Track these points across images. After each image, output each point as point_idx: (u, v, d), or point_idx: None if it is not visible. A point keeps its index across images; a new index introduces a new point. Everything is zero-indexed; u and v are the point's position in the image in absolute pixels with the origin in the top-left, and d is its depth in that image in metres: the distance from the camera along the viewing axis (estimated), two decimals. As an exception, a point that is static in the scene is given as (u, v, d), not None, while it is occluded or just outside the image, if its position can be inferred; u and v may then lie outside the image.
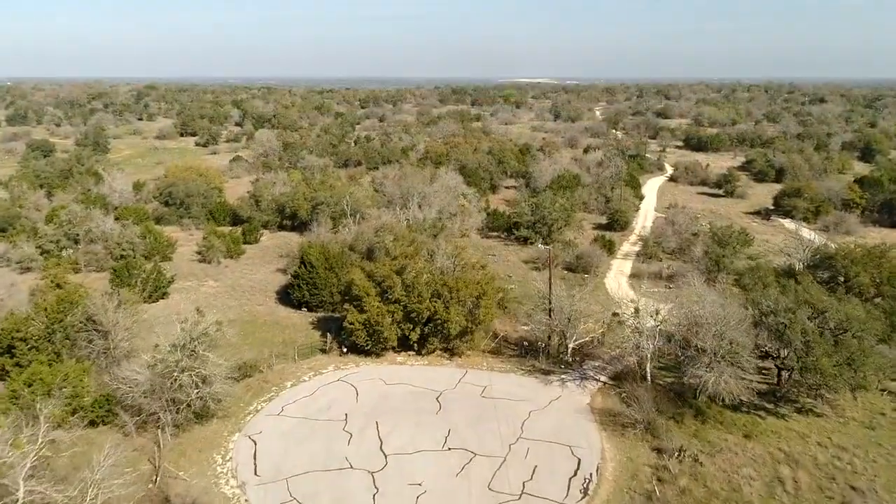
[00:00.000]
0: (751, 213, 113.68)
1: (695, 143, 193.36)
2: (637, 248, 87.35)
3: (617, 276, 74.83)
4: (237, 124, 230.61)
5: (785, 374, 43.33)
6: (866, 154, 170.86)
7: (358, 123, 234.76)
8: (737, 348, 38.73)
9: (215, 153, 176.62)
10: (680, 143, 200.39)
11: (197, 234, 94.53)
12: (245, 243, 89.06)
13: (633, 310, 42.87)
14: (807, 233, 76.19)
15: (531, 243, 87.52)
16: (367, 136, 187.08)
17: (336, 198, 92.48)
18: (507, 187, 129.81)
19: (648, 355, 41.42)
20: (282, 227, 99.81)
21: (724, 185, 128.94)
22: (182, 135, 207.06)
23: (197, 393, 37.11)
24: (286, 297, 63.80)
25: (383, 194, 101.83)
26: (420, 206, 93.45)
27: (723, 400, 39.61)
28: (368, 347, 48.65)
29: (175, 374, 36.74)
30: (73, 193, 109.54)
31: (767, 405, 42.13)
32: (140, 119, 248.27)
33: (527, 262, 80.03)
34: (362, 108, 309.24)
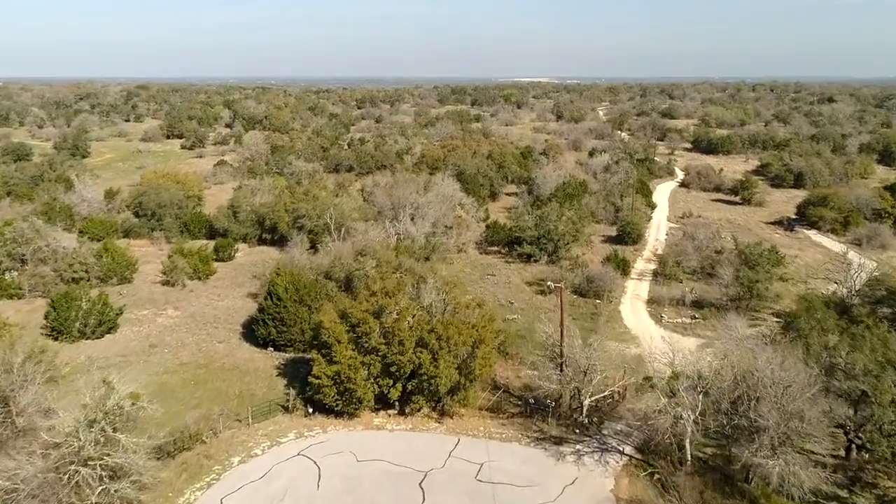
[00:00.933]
0: (771, 223, 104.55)
1: (705, 146, 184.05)
2: (653, 266, 78.39)
3: (633, 302, 65.86)
4: (227, 126, 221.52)
5: (858, 449, 34.48)
6: (886, 157, 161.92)
7: (353, 125, 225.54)
8: (808, 427, 29.86)
9: (201, 157, 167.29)
10: (688, 146, 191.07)
11: (169, 248, 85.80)
12: (217, 260, 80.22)
13: (670, 373, 33.90)
14: (854, 256, 66.99)
15: (535, 261, 78.70)
16: (362, 138, 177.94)
17: (319, 210, 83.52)
18: (508, 194, 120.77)
19: (690, 430, 32.52)
20: (262, 241, 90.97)
21: (740, 192, 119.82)
22: (168, 137, 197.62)
23: (102, 490, 28.23)
24: (252, 331, 54.90)
25: (373, 204, 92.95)
26: (413, 219, 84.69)
27: (790, 496, 30.61)
28: (339, 408, 39.72)
29: (72, 467, 27.89)
30: (38, 203, 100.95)
31: (840, 492, 33.23)
32: (127, 120, 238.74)
33: (531, 284, 71.06)
34: (359, 108, 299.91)
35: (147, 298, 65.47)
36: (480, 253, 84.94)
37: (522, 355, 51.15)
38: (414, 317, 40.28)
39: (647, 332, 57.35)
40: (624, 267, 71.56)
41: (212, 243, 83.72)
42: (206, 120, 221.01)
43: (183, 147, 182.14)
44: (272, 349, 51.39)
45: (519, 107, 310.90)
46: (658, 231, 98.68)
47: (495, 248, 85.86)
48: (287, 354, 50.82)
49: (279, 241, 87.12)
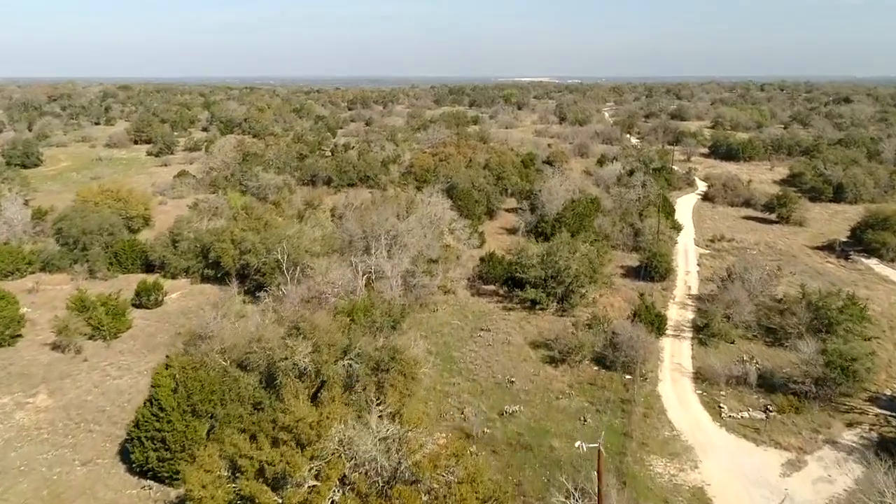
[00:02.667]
0: (819, 248, 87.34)
1: (723, 151, 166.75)
2: (690, 314, 61.60)
3: (675, 379, 48.77)
4: (204, 129, 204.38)
5: None
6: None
7: (341, 128, 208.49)
8: None
9: (166, 165, 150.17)
10: (705, 151, 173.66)
11: (93, 286, 69.18)
12: (140, 307, 63.66)
13: None
14: None
15: (541, 308, 61.90)
16: (346, 143, 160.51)
17: (269, 243, 66.56)
18: (507, 210, 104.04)
19: None
20: (206, 278, 73.94)
21: (777, 209, 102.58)
22: (136, 142, 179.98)
23: None
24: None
25: (344, 231, 75.95)
26: (389, 250, 67.89)
27: None
28: None
29: None
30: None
31: None
32: (97, 123, 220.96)
33: (537, 346, 54.18)
34: (350, 109, 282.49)
35: (19, 373, 48.52)
36: (472, 294, 68.09)
37: (527, 485, 34.49)
38: (345, 486, 23.34)
39: (703, 436, 40.45)
40: (659, 325, 54.48)
41: (133, 286, 66.82)
42: (180, 123, 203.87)
43: (149, 153, 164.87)
44: (153, 481, 34.48)
45: (519, 108, 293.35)
46: (687, 260, 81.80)
47: (491, 287, 69.09)
48: (175, 491, 33.93)
49: (224, 278, 70.49)
